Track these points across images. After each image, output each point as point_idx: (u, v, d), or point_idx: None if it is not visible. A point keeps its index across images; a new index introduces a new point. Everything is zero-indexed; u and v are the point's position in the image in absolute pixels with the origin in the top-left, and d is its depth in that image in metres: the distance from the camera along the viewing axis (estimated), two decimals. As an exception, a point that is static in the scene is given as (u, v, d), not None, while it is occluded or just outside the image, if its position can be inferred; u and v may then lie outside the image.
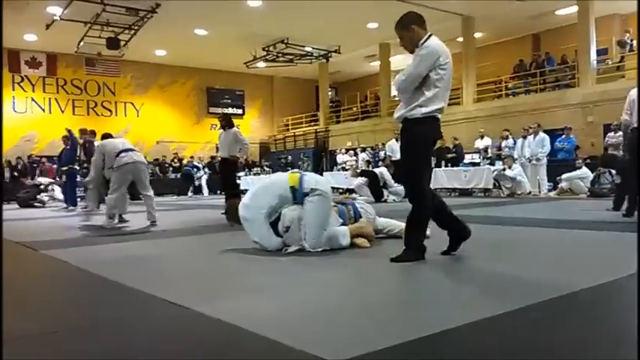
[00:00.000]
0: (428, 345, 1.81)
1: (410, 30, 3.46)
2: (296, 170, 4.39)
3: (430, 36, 3.47)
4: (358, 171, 11.06)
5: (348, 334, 1.95)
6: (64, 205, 11.47)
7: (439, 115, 3.48)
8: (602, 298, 2.48)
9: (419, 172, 3.50)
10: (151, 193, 6.96)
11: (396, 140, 12.90)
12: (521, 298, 2.33)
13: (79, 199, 11.40)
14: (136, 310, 2.49)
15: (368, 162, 16.82)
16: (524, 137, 12.60)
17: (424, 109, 3.38)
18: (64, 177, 11.59)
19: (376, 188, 11.00)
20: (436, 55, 3.36)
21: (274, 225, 4.02)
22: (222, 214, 7.73)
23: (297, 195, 3.97)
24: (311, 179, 4.04)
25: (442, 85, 3.40)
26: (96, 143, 11.16)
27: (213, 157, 20.73)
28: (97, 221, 7.11)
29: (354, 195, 5.17)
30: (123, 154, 6.68)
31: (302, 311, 2.33)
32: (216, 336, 2.01)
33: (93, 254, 4.38)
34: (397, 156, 12.60)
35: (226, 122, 8.26)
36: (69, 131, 11.24)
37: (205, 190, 19.29)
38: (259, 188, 4.20)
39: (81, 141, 10.83)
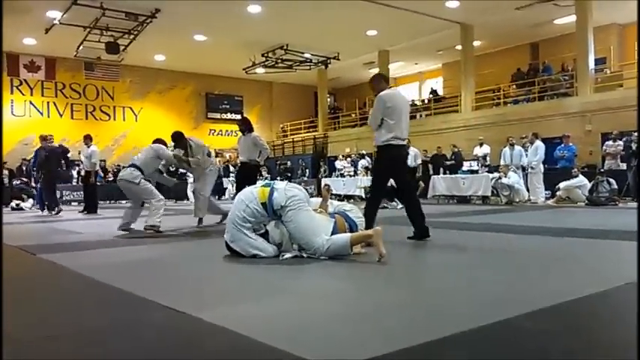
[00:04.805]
0: (429, 351, 1.80)
1: (374, 84, 5.24)
2: (266, 183, 4.20)
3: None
4: None
5: (346, 341, 1.94)
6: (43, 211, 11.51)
7: (394, 142, 4.94)
8: (598, 308, 2.47)
9: None
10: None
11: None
12: (517, 307, 2.33)
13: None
14: (133, 314, 2.47)
15: (367, 169, 16.84)
16: (512, 145, 12.66)
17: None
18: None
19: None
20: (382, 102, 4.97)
21: (263, 236, 4.00)
22: None
23: (269, 211, 3.90)
24: (280, 195, 3.87)
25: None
26: (92, 149, 11.18)
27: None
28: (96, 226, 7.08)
29: (344, 202, 5.13)
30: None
31: (301, 317, 2.31)
32: (215, 342, 1.99)
33: (91, 259, 4.36)
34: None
35: (246, 127, 8.28)
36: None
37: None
38: (232, 207, 4.09)
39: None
